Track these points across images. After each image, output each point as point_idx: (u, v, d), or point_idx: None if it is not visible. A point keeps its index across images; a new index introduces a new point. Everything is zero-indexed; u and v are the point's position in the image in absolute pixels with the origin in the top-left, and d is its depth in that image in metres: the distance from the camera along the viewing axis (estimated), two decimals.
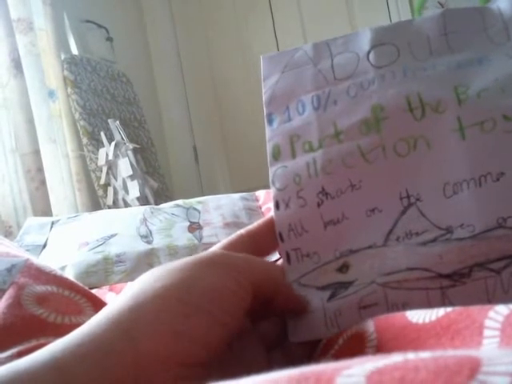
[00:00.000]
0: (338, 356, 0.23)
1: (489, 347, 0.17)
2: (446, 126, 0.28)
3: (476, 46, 0.30)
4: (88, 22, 1.98)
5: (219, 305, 0.22)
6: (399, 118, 0.29)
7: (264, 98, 0.33)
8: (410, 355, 0.13)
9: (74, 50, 1.85)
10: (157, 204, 0.95)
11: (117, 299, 0.22)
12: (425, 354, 0.13)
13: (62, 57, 1.67)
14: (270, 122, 0.32)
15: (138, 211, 0.88)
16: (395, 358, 0.13)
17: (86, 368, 0.19)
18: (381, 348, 0.21)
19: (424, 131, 0.28)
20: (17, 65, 1.41)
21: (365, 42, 0.32)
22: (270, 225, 0.30)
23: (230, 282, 0.23)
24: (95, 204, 1.63)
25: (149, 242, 0.77)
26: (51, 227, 0.86)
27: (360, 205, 0.28)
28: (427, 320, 0.20)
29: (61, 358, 0.19)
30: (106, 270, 0.71)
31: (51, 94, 1.60)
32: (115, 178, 1.59)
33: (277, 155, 0.31)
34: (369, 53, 0.31)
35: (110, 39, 2.10)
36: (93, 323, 0.20)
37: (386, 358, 0.13)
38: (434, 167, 0.28)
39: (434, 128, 0.28)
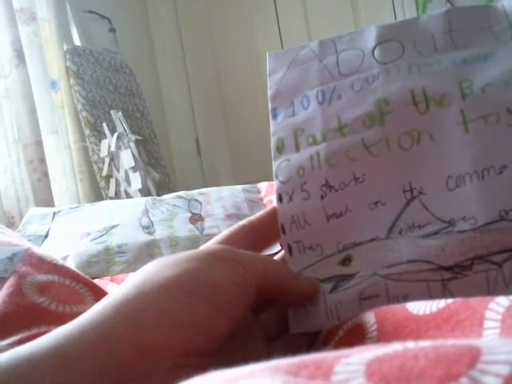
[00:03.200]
0: (338, 347, 0.24)
1: (489, 338, 0.17)
2: (449, 120, 0.28)
3: (481, 43, 0.30)
4: (91, 12, 1.97)
5: (224, 298, 0.22)
6: (403, 111, 0.29)
7: (269, 93, 0.33)
8: (410, 344, 0.13)
9: (77, 41, 1.84)
10: (159, 196, 0.95)
11: (120, 288, 0.22)
12: (425, 343, 0.13)
13: (65, 47, 1.66)
14: (275, 116, 0.32)
15: (140, 202, 0.88)
16: (395, 347, 0.13)
17: (89, 354, 0.19)
18: (381, 339, 0.21)
19: (428, 125, 0.28)
20: (19, 55, 1.41)
21: (370, 39, 0.32)
22: (271, 216, 0.30)
23: (235, 277, 0.23)
24: (97, 195, 1.63)
25: (150, 233, 0.77)
26: (53, 218, 0.86)
27: (363, 198, 0.28)
28: (428, 311, 0.20)
29: (64, 344, 0.19)
30: (108, 261, 0.71)
31: (54, 84, 1.59)
32: (117, 170, 1.59)
33: (281, 148, 0.31)
34: (374, 49, 0.31)
35: (112, 30, 2.09)
36: (97, 311, 0.20)
37: (385, 346, 0.13)
38: (438, 160, 0.28)
39: (437, 122, 0.28)
